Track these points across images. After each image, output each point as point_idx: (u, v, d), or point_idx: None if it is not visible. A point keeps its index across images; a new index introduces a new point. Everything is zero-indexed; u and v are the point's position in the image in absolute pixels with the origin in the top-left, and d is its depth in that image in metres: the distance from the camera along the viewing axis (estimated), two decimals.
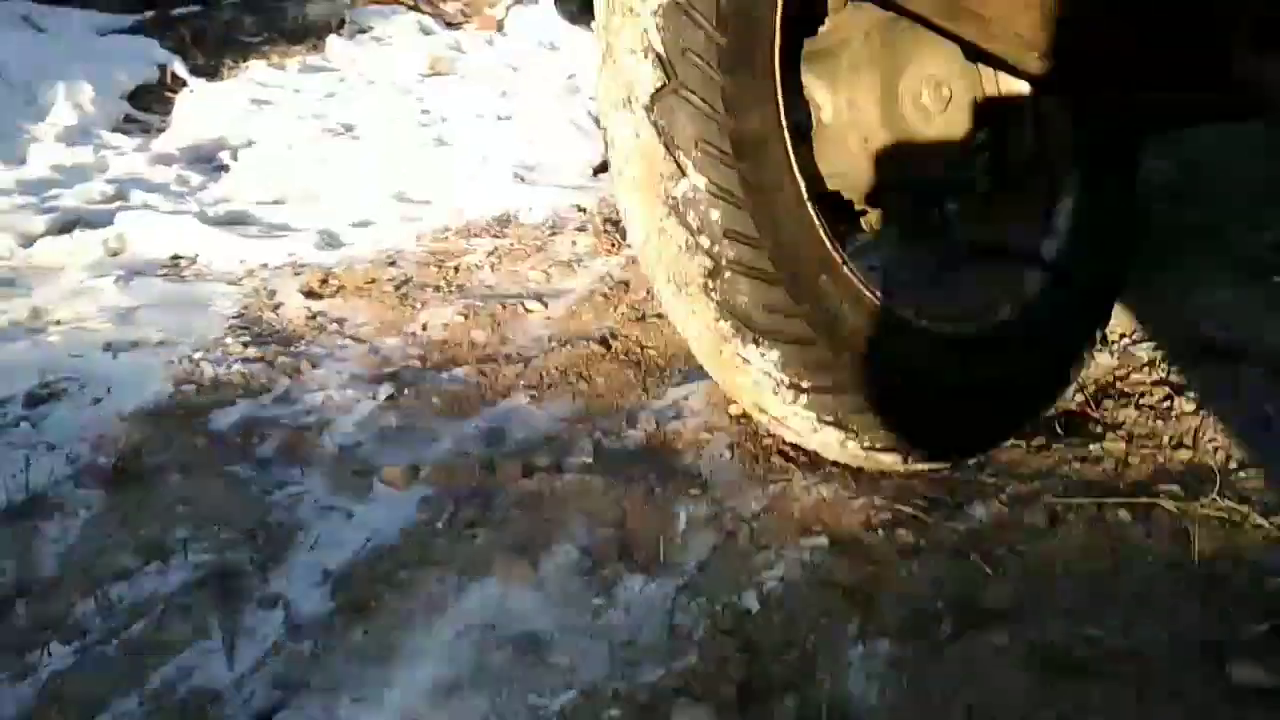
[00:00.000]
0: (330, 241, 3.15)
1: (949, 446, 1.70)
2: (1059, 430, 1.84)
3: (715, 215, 1.43)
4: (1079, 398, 1.94)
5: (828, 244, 1.54)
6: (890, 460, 1.64)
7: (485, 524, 1.69)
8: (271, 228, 3.28)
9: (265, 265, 2.96)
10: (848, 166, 1.69)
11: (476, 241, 2.95)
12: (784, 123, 1.50)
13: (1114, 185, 1.89)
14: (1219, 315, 2.16)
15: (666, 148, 1.42)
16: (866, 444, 1.60)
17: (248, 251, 3.04)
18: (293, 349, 2.39)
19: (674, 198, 1.43)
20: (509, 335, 2.40)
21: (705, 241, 1.44)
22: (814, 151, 1.67)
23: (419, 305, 2.58)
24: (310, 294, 2.70)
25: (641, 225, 1.48)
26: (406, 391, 2.14)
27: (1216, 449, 1.78)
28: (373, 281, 2.74)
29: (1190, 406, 1.88)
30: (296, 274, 2.85)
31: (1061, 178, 1.86)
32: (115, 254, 3.13)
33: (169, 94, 4.87)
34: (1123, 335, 2.15)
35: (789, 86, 1.53)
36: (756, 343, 1.49)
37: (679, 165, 1.42)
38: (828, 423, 1.57)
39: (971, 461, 1.76)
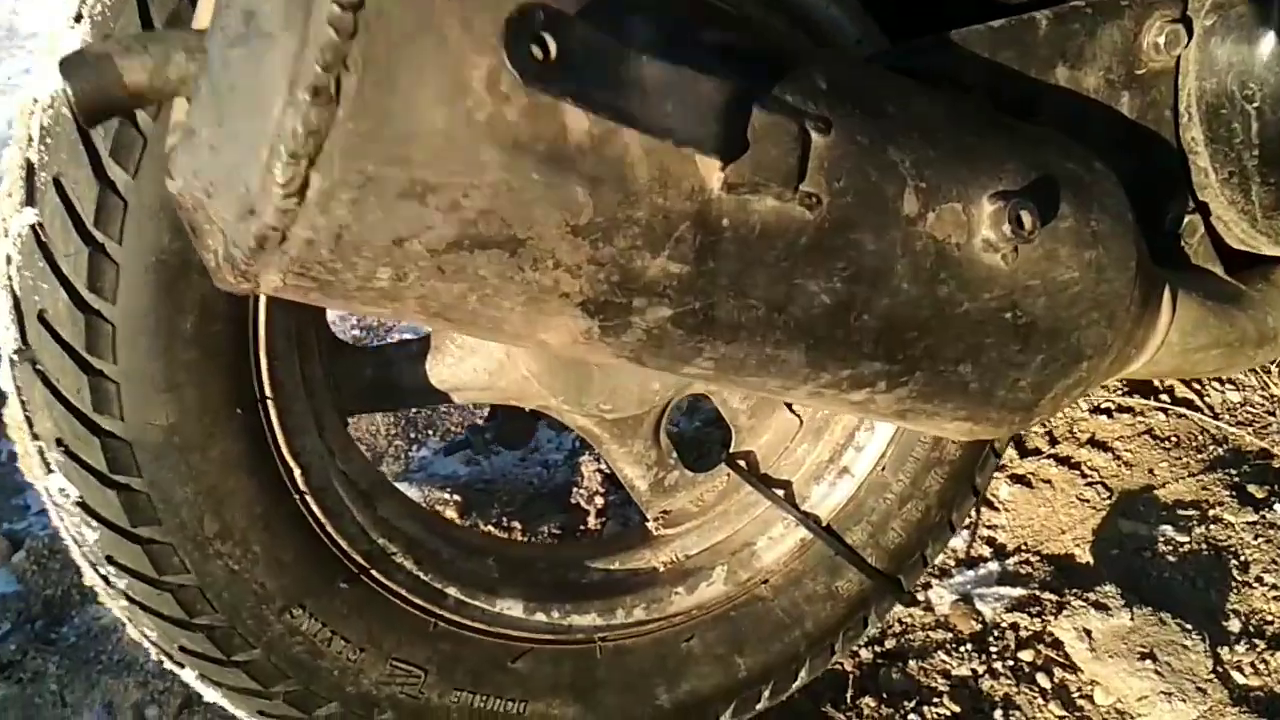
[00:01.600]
0: None
1: None
2: None
3: (92, 538, 0.95)
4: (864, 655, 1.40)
5: (332, 555, 1.04)
6: None
7: (27, 664, 1.40)
8: None
9: None
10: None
11: None
12: (263, 398, 0.96)
13: None
14: None
15: (29, 427, 0.93)
16: None
17: None
18: None
19: (49, 491, 0.96)
20: None
21: (90, 557, 0.98)
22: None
23: None
24: None
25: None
26: None
27: None
28: None
29: None
30: None
31: None
32: None
33: None
34: (967, 562, 1.55)
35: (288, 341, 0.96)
36: (195, 676, 1.05)
37: (43, 458, 0.93)
38: None
39: None
